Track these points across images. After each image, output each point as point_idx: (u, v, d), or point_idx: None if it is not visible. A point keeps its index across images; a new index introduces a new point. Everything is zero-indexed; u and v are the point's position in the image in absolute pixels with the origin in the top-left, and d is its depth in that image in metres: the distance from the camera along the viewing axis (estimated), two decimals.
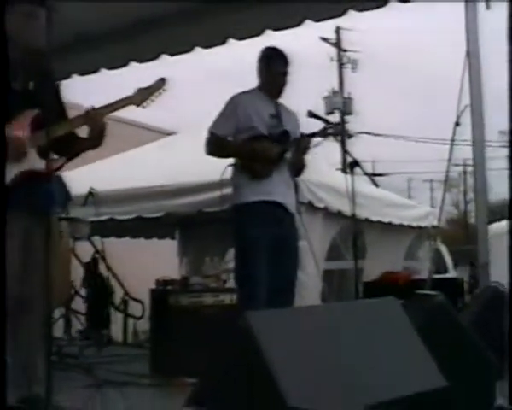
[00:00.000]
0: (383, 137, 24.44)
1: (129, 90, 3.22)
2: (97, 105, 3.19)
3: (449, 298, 3.20)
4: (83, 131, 3.23)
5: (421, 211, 8.86)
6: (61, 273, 5.37)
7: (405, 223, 8.15)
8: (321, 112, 6.64)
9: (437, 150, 19.63)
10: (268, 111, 4.31)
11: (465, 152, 5.65)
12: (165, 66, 5.47)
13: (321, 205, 6.18)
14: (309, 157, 4.52)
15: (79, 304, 6.72)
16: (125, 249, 8.39)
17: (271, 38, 5.01)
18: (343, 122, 22.04)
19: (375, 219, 7.30)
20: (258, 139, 4.20)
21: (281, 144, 4.24)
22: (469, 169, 24.69)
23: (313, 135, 4.39)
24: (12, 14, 3.09)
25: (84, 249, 6.82)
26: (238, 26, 5.12)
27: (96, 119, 3.15)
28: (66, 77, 5.40)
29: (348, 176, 4.88)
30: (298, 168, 4.45)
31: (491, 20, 4.99)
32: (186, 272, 7.39)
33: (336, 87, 23.58)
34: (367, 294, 6.13)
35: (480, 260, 4.58)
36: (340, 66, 23.70)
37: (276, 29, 4.99)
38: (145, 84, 3.20)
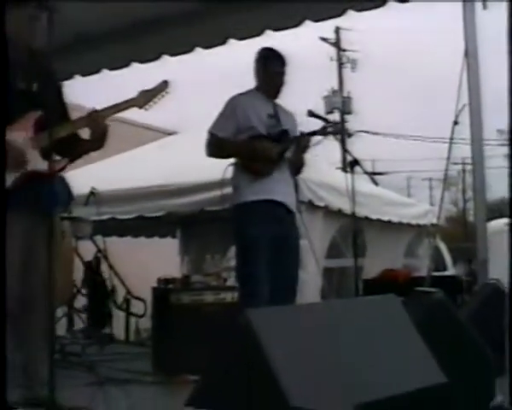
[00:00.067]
0: (382, 136, 24.46)
1: (129, 91, 3.24)
2: (98, 106, 3.21)
3: (448, 295, 3.21)
4: (85, 133, 3.25)
5: (420, 209, 8.87)
6: (64, 272, 5.39)
7: (405, 221, 8.16)
8: (321, 111, 6.68)
9: (436, 149, 19.59)
10: (266, 111, 4.33)
11: (464, 151, 5.68)
12: (165, 66, 5.50)
13: (321, 204, 6.20)
14: (309, 156, 4.55)
15: (82, 303, 6.75)
16: (126, 248, 8.40)
17: (271, 39, 5.05)
18: (343, 121, 22.02)
19: (374, 217, 7.32)
20: (257, 139, 4.22)
21: (280, 144, 4.28)
22: (468, 168, 24.66)
23: (313, 134, 4.41)
24: (14, 16, 3.11)
25: (87, 248, 6.85)
26: (238, 26, 5.14)
27: (99, 121, 3.17)
28: (68, 78, 5.41)
29: (348, 175, 4.89)
30: (297, 167, 4.48)
31: (489, 20, 5.02)
32: (187, 271, 7.44)
33: (336, 87, 23.60)
34: (367, 291, 6.13)
35: (478, 258, 4.60)
36: (340, 65, 23.71)
37: (276, 29, 5.01)
38: (148, 87, 3.21)
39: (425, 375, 2.70)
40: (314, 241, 5.66)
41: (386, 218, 7.65)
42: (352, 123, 23.26)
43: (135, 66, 5.66)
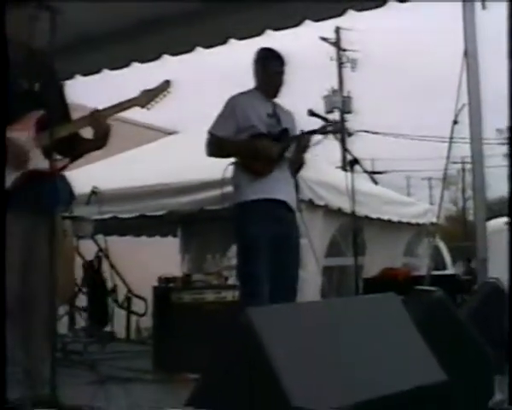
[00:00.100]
0: (382, 135, 24.47)
1: (130, 91, 3.25)
2: (99, 105, 3.21)
3: (448, 294, 3.21)
4: (87, 132, 3.26)
5: (420, 208, 8.88)
6: (65, 271, 5.40)
7: (404, 220, 8.17)
8: (321, 111, 6.67)
9: (435, 148, 19.63)
10: (266, 111, 4.35)
11: (463, 150, 5.71)
12: (166, 66, 5.52)
13: (321, 203, 6.21)
14: (309, 155, 4.57)
15: (83, 301, 6.76)
16: (128, 247, 8.41)
17: (272, 38, 5.06)
18: (342, 121, 22.04)
19: (374, 216, 7.33)
20: (258, 138, 4.24)
21: (280, 143, 4.29)
22: (468, 167, 24.66)
23: (312, 132, 4.42)
24: (15, 16, 3.12)
25: (88, 248, 6.86)
26: (238, 26, 5.15)
27: (101, 120, 3.17)
28: (69, 77, 5.42)
29: (348, 174, 4.90)
30: (297, 166, 4.49)
31: (489, 20, 5.04)
32: (188, 270, 7.45)
33: (336, 86, 23.63)
34: (367, 290, 6.14)
35: (478, 257, 4.61)
36: (340, 65, 23.73)
37: (277, 29, 5.02)
38: (150, 86, 3.22)
39: (425, 373, 2.71)
40: (314, 240, 5.67)
41: (385, 217, 7.66)
42: (351, 122, 23.33)
43: (135, 66, 5.67)
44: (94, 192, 6.44)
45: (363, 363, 2.54)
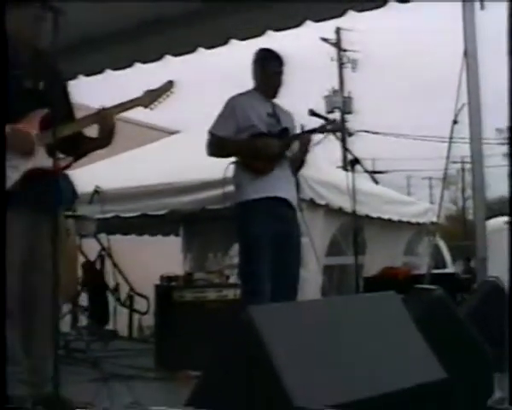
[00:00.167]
0: (383, 135, 24.44)
1: (132, 91, 3.26)
2: (102, 105, 3.24)
3: (447, 293, 3.23)
4: (92, 131, 3.29)
5: (420, 208, 8.90)
6: (68, 270, 5.42)
7: (405, 219, 8.19)
8: (321, 111, 6.70)
9: (435, 148, 19.61)
10: (266, 110, 4.37)
11: (463, 150, 5.73)
12: (168, 66, 5.54)
13: (322, 202, 6.24)
14: (309, 155, 4.59)
15: (85, 300, 6.79)
16: (130, 246, 8.42)
17: (272, 39, 5.08)
18: (343, 121, 22.05)
19: (375, 215, 7.35)
20: (258, 137, 4.26)
21: (281, 141, 4.32)
22: (467, 167, 24.63)
23: (313, 131, 4.44)
24: (19, 16, 3.14)
25: (91, 247, 6.89)
26: (239, 26, 5.16)
27: (107, 118, 3.19)
28: (73, 78, 5.45)
29: (349, 173, 4.92)
30: (298, 165, 4.51)
31: (489, 20, 5.06)
32: (190, 268, 7.46)
33: (336, 86, 23.61)
34: (367, 289, 6.16)
35: (478, 256, 4.62)
36: (340, 65, 23.71)
37: (277, 29, 5.04)
38: (153, 87, 3.24)
39: (425, 371, 2.72)
40: (315, 239, 5.69)
41: (386, 216, 7.68)
42: (352, 122, 23.32)
43: (138, 66, 5.69)
44: (96, 191, 6.45)
45: (364, 361, 2.54)
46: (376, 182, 12.72)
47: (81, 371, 4.56)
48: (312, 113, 4.54)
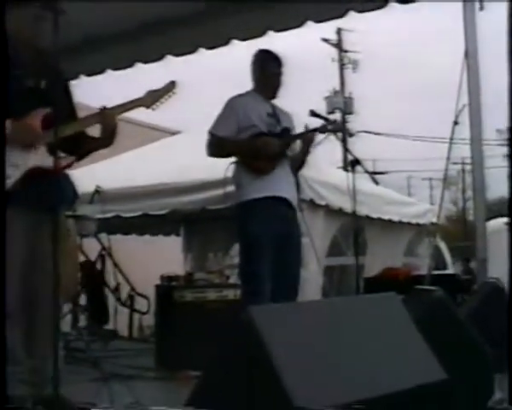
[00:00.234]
0: (383, 136, 24.46)
1: (133, 91, 3.26)
2: (101, 105, 3.25)
3: (448, 294, 3.23)
4: (94, 131, 3.29)
5: (420, 208, 8.91)
6: (69, 270, 5.42)
7: (405, 220, 8.20)
8: (322, 111, 6.70)
9: (436, 149, 19.61)
10: (265, 111, 4.38)
11: (463, 151, 5.72)
12: (169, 66, 5.55)
13: (322, 202, 6.24)
14: (310, 155, 4.59)
15: (85, 300, 6.79)
16: (130, 246, 8.44)
17: (273, 39, 5.09)
18: (344, 121, 22.07)
19: (375, 216, 7.36)
20: (259, 137, 4.27)
21: (281, 140, 4.32)
22: (468, 167, 24.64)
23: (313, 131, 4.45)
24: (21, 15, 3.14)
25: (91, 246, 6.90)
26: (241, 27, 5.17)
27: (109, 118, 3.19)
28: (74, 77, 5.45)
29: (349, 174, 4.92)
30: (298, 165, 4.51)
31: (489, 21, 5.06)
32: (190, 268, 7.46)
33: (337, 87, 23.64)
34: (367, 289, 6.16)
35: (478, 257, 4.62)
36: (341, 66, 23.74)
37: (278, 30, 5.04)
38: (155, 87, 3.24)
39: (425, 372, 2.73)
40: (315, 239, 5.69)
41: (386, 217, 7.69)
42: (353, 123, 23.35)
43: (139, 66, 5.70)
44: (97, 191, 6.46)
45: (364, 362, 2.55)
46: (377, 183, 12.74)
47: (81, 371, 4.56)
48: (313, 113, 4.55)
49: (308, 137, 4.43)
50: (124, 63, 5.73)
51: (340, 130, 18.36)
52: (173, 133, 9.68)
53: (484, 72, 4.71)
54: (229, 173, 4.48)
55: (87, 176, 6.15)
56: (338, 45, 23.72)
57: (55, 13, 2.89)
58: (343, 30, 23.35)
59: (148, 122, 12.17)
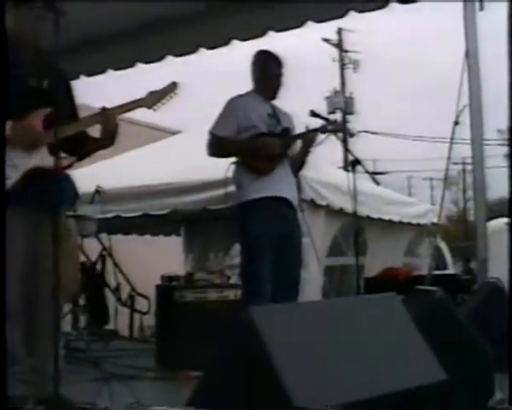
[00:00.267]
0: (384, 136, 24.47)
1: (131, 91, 3.26)
2: (103, 105, 3.25)
3: (448, 294, 3.24)
4: (94, 132, 3.29)
5: (421, 208, 8.91)
6: (70, 270, 5.42)
7: (405, 220, 8.19)
8: (323, 112, 6.70)
9: (436, 149, 19.62)
10: (266, 111, 4.38)
11: (464, 151, 5.72)
12: (170, 66, 5.55)
13: (323, 203, 6.24)
14: (310, 155, 4.59)
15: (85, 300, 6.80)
16: (131, 246, 8.45)
17: (274, 40, 5.09)
18: (345, 121, 22.08)
19: (375, 216, 7.36)
20: (259, 137, 4.27)
21: (282, 140, 4.32)
22: (468, 167, 24.65)
23: (314, 131, 4.45)
24: (22, 15, 3.15)
25: (92, 247, 6.90)
26: (241, 27, 5.17)
27: (110, 118, 3.19)
28: (75, 78, 5.45)
29: (350, 174, 4.93)
30: (299, 165, 4.52)
31: (489, 21, 5.06)
32: (191, 268, 7.47)
33: (338, 87, 23.67)
34: (368, 289, 6.15)
35: (478, 257, 4.63)
36: (342, 66, 23.76)
37: (279, 30, 5.05)
38: (157, 87, 3.24)
39: (425, 372, 2.73)
40: (316, 239, 5.70)
41: (387, 217, 7.69)
42: (353, 123, 23.37)
43: (139, 66, 5.70)
44: (98, 191, 6.46)
45: (364, 362, 2.55)
46: (377, 183, 12.75)
47: (82, 371, 4.56)
48: (313, 114, 4.55)
49: (309, 137, 4.43)
50: (124, 63, 5.74)
51: (341, 130, 18.35)
52: (174, 133, 9.68)
53: (485, 72, 4.73)
54: (230, 174, 4.48)
55: (88, 176, 6.16)
56: (338, 45, 23.74)
57: (56, 13, 2.89)
58: (344, 30, 23.39)
59: (148, 122, 12.17)
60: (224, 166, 4.56)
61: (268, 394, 2.27)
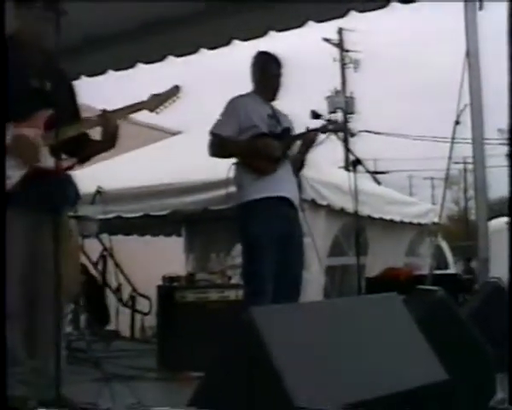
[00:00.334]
0: (385, 135, 24.46)
1: (132, 91, 3.26)
2: (104, 105, 3.24)
3: (449, 293, 3.24)
4: (97, 134, 3.28)
5: (422, 208, 8.91)
6: (71, 271, 5.42)
7: (407, 220, 8.20)
8: (324, 111, 6.70)
9: (437, 148, 19.63)
10: (266, 112, 4.39)
11: (465, 150, 5.71)
12: (171, 66, 5.55)
13: (324, 202, 6.24)
14: (311, 155, 4.59)
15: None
16: (132, 247, 8.45)
17: (275, 40, 5.09)
18: (345, 121, 22.08)
19: (376, 216, 7.36)
20: (260, 137, 4.27)
21: (283, 141, 4.32)
22: (469, 167, 24.63)
23: (314, 131, 4.45)
24: (25, 16, 3.15)
25: (93, 247, 6.91)
26: (242, 27, 5.17)
27: (111, 120, 3.20)
28: (75, 78, 5.46)
29: (351, 174, 4.93)
30: (299, 165, 4.52)
31: (489, 21, 5.06)
32: (192, 269, 7.47)
33: (339, 87, 23.66)
34: (369, 289, 6.15)
35: (479, 256, 4.64)
36: (343, 66, 23.76)
37: (280, 30, 5.05)
38: (159, 90, 3.23)
39: (426, 372, 2.73)
40: (317, 239, 5.70)
41: (388, 217, 7.69)
42: (354, 123, 23.36)
43: (140, 66, 5.70)
44: (98, 192, 6.46)
45: (365, 363, 2.55)
46: (378, 182, 12.72)
47: (83, 372, 4.55)
48: (314, 114, 4.55)
49: (309, 137, 4.43)
50: (125, 64, 5.74)
51: (342, 130, 18.35)
52: (174, 134, 9.68)
53: (485, 71, 4.73)
54: (231, 174, 4.48)
55: (89, 177, 6.16)
56: (339, 45, 23.74)
57: (57, 13, 2.90)
58: (344, 30, 23.38)
59: (149, 123, 12.18)
60: (224, 167, 4.56)
61: (269, 394, 2.27)
